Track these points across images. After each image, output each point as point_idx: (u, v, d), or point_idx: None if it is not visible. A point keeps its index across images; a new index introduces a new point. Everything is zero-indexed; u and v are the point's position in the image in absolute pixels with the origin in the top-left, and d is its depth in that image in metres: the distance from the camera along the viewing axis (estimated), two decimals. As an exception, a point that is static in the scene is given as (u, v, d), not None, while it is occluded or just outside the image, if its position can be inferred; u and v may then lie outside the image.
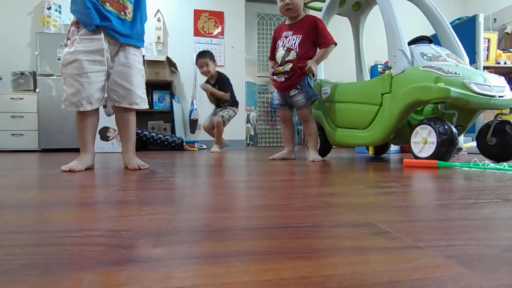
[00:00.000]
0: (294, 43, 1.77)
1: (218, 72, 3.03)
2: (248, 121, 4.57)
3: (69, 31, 1.27)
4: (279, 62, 1.82)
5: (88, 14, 1.21)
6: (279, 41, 1.86)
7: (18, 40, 3.61)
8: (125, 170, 1.32)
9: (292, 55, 1.76)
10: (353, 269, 0.31)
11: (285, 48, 1.79)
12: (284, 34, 1.83)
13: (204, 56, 2.92)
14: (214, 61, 2.99)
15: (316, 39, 1.76)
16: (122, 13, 1.30)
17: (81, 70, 1.22)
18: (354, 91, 1.83)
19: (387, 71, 1.63)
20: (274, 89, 1.94)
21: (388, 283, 0.28)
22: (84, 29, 1.24)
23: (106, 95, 1.33)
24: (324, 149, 2.09)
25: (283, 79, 1.80)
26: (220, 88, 2.99)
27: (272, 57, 1.91)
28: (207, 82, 3.04)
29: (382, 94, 1.63)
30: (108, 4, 1.25)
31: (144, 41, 1.43)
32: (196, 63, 2.99)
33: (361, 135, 1.76)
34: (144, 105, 1.38)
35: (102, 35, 1.25)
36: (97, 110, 1.32)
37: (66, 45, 1.27)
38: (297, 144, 4.56)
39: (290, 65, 1.76)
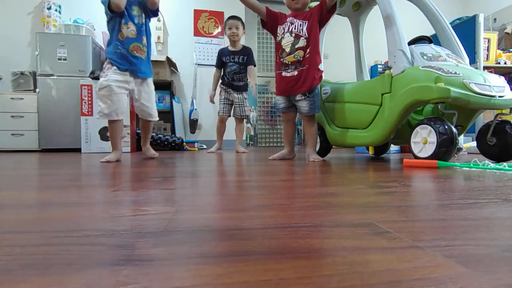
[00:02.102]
0: (302, 29, 1.70)
1: (243, 45, 2.88)
2: (248, 121, 4.56)
3: (104, 67, 1.82)
4: (288, 50, 1.73)
5: (121, 62, 1.79)
6: (283, 26, 1.76)
7: (18, 40, 3.61)
8: (125, 170, 1.32)
9: (302, 42, 1.70)
10: (353, 269, 0.31)
11: (293, 35, 1.72)
12: (289, 19, 1.75)
13: (236, 18, 2.77)
14: (244, 28, 2.83)
15: (321, 11, 1.70)
16: (144, 55, 1.89)
17: (109, 91, 1.74)
18: (354, 91, 1.83)
19: (387, 71, 1.63)
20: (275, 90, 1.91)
21: (388, 283, 0.28)
22: (114, 66, 1.79)
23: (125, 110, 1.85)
24: (324, 149, 2.09)
25: (296, 73, 1.72)
26: (248, 61, 2.82)
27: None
28: (225, 50, 2.84)
29: (382, 94, 1.63)
30: (135, 52, 1.84)
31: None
32: (225, 24, 2.79)
33: (361, 135, 1.76)
34: (156, 118, 2.03)
35: (127, 73, 1.82)
36: (121, 120, 1.83)
37: (101, 76, 1.81)
38: (297, 144, 4.56)
39: (302, 52, 1.71)
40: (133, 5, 1.82)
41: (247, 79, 2.87)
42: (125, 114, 1.87)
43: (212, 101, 2.92)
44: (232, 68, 2.79)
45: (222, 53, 2.84)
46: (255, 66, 2.86)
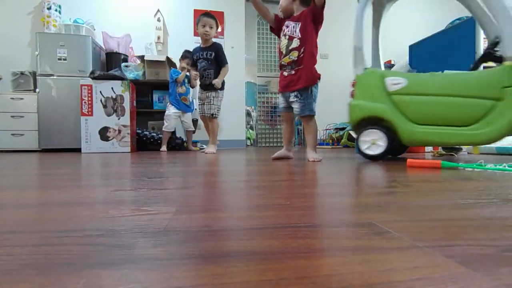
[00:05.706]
0: (295, 31, 1.76)
1: (213, 41, 2.80)
2: (250, 119, 4.56)
3: (168, 105, 3.37)
4: (284, 52, 1.81)
5: (176, 104, 3.35)
6: (283, 31, 1.84)
7: (18, 40, 3.61)
8: (125, 170, 1.32)
9: (296, 43, 1.76)
10: (353, 269, 0.31)
11: (287, 37, 1.79)
12: (285, 23, 1.82)
13: (211, 17, 2.71)
14: (217, 28, 2.79)
15: (313, 11, 1.72)
16: (188, 103, 3.43)
17: (170, 117, 3.30)
18: (451, 83, 1.64)
19: (507, 62, 1.48)
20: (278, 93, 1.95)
21: (388, 283, 0.28)
22: (173, 106, 3.34)
23: (171, 124, 3.34)
24: (398, 149, 1.95)
25: (293, 72, 1.79)
26: (216, 56, 2.74)
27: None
28: (197, 48, 2.83)
29: (503, 88, 1.49)
30: (182, 101, 3.37)
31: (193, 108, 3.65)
32: (198, 22, 2.69)
33: (464, 133, 1.58)
34: (192, 129, 3.52)
35: (180, 110, 3.37)
36: (170, 132, 3.34)
37: (167, 110, 3.36)
38: (297, 144, 4.56)
39: (296, 53, 1.76)
40: (185, 78, 3.34)
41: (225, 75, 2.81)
42: (173, 129, 3.38)
43: (194, 77, 2.94)
44: (202, 65, 2.78)
45: (194, 51, 2.87)
46: (226, 63, 2.79)
